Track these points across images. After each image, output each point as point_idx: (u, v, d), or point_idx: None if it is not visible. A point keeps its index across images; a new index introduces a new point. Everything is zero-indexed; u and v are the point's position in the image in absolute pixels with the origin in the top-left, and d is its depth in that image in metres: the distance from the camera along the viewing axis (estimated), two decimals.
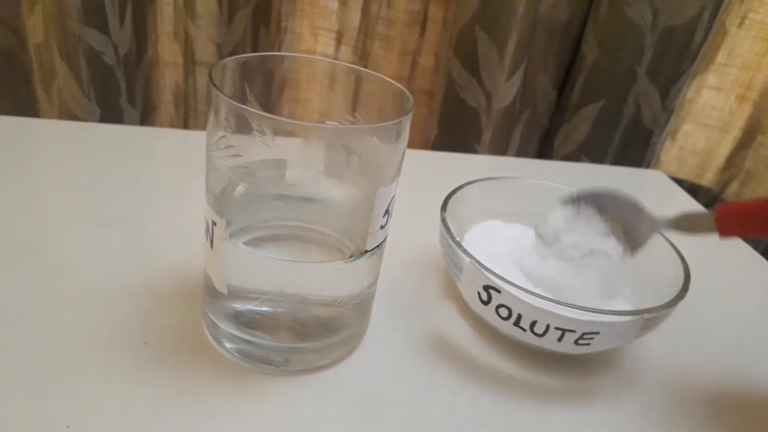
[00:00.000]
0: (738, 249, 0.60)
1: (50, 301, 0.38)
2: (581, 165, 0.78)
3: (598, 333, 0.35)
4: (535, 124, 0.83)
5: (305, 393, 0.34)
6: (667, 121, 0.78)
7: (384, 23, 0.74)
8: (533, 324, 0.36)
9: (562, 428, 0.35)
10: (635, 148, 0.80)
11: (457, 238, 0.40)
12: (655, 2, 0.70)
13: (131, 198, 0.50)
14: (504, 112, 0.77)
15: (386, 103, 0.35)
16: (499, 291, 0.36)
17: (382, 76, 0.35)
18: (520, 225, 0.48)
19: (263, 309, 0.34)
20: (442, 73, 0.76)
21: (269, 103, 0.36)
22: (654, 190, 0.73)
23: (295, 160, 0.33)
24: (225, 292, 0.33)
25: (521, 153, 0.85)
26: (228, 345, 0.35)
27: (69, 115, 0.71)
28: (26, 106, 0.73)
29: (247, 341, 0.35)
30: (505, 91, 0.75)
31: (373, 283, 0.37)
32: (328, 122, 0.38)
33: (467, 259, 0.37)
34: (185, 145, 0.64)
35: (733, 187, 0.81)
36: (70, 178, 0.51)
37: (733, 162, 0.81)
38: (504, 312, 0.36)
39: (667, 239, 0.44)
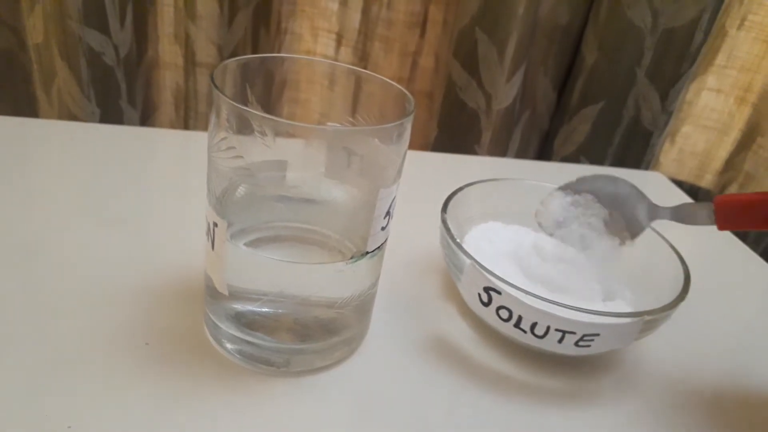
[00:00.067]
0: (738, 250, 0.60)
1: (51, 301, 0.38)
2: (581, 166, 0.78)
3: (598, 335, 0.35)
4: (534, 125, 0.83)
5: (306, 394, 0.34)
6: (666, 123, 0.79)
7: (384, 24, 0.75)
8: (534, 325, 0.36)
9: (562, 430, 0.35)
10: (635, 149, 0.80)
11: (458, 240, 0.40)
12: (655, 4, 0.71)
13: (131, 198, 0.50)
14: (504, 113, 0.77)
15: (387, 105, 0.35)
16: (499, 292, 0.36)
17: (382, 77, 0.35)
18: (520, 226, 0.48)
19: (264, 310, 0.34)
20: (442, 74, 0.76)
21: (270, 104, 0.36)
22: (653, 192, 0.72)
23: (296, 161, 0.33)
24: (226, 293, 0.33)
25: (521, 154, 0.85)
26: (229, 346, 0.35)
27: (69, 115, 0.71)
28: (26, 107, 0.73)
29: (248, 342, 0.35)
30: (505, 92, 0.75)
31: (374, 285, 0.37)
32: (328, 123, 0.38)
33: (468, 261, 0.37)
34: (185, 145, 0.64)
35: (733, 189, 0.81)
36: (70, 178, 0.51)
37: (732, 164, 0.81)
38: (504, 313, 0.36)
39: (667, 241, 0.44)
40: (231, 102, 0.29)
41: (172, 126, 0.80)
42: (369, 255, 0.33)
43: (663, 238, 0.44)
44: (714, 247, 0.60)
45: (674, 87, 0.75)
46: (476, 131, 0.77)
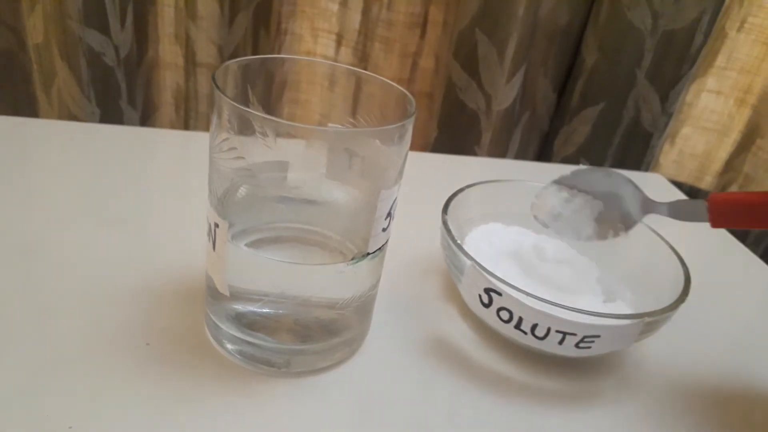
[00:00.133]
0: (738, 252, 0.60)
1: (51, 301, 0.38)
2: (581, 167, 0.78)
3: (599, 336, 0.36)
4: (534, 126, 0.83)
5: (306, 395, 0.34)
6: (666, 125, 0.79)
7: (384, 25, 0.75)
8: (534, 327, 0.36)
9: (562, 431, 0.36)
10: (635, 151, 0.80)
11: (458, 241, 0.40)
12: (655, 6, 0.71)
13: (132, 199, 0.50)
14: (504, 114, 0.77)
15: (388, 106, 0.35)
16: (500, 294, 0.36)
17: (383, 78, 0.35)
18: (520, 227, 0.48)
19: (265, 311, 0.34)
20: (442, 75, 0.76)
21: (270, 105, 0.36)
22: (653, 193, 0.72)
23: (297, 162, 0.33)
24: (227, 293, 0.33)
25: (521, 155, 0.85)
26: (229, 346, 0.35)
27: (69, 116, 0.71)
28: (26, 107, 0.73)
29: (249, 343, 0.35)
30: (505, 93, 0.75)
31: (375, 286, 0.37)
32: (329, 124, 0.38)
33: (468, 262, 0.37)
34: (185, 145, 0.64)
35: (732, 191, 0.81)
36: (70, 178, 0.51)
37: (732, 165, 0.81)
38: (505, 315, 0.36)
39: (667, 242, 0.44)
40: (232, 103, 0.29)
41: (173, 126, 0.80)
42: (370, 256, 0.33)
43: (663, 239, 0.44)
44: (714, 249, 0.60)
45: (674, 88, 0.75)
46: (476, 132, 0.77)
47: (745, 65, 0.77)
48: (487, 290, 0.36)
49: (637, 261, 0.44)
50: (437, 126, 0.78)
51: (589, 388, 0.39)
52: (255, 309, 0.34)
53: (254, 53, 0.74)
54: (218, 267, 0.33)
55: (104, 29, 0.67)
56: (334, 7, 0.76)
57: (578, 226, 0.43)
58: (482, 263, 0.37)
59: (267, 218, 0.36)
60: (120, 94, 0.71)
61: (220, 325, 0.35)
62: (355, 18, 0.76)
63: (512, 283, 0.36)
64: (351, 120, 0.36)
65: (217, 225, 0.32)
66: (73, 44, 0.67)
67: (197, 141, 0.64)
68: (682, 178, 0.86)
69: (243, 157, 0.31)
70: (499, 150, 0.81)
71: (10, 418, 0.30)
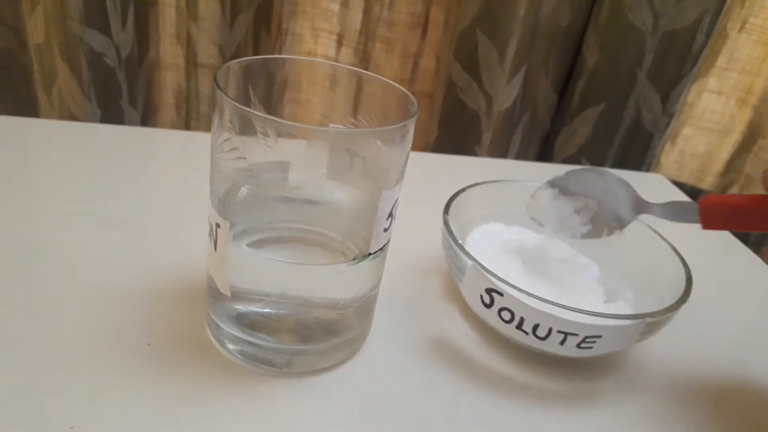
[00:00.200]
0: (740, 252, 0.60)
1: (52, 301, 0.38)
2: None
3: (600, 336, 0.35)
4: (535, 127, 0.83)
5: (307, 395, 0.34)
6: (667, 125, 0.79)
7: (385, 25, 0.75)
8: (535, 327, 0.36)
9: (563, 431, 0.35)
10: (636, 151, 0.80)
11: (460, 241, 0.40)
12: (656, 6, 0.71)
13: (133, 199, 0.50)
14: (504, 114, 0.77)
15: (389, 106, 0.35)
16: (501, 294, 0.36)
17: (384, 78, 0.35)
18: (521, 228, 0.48)
19: (266, 311, 0.34)
20: (443, 75, 0.76)
21: (271, 105, 0.36)
22: (654, 194, 0.72)
23: (299, 162, 0.33)
24: (228, 293, 0.33)
25: (521, 156, 0.85)
26: (231, 346, 0.35)
27: (70, 116, 0.71)
28: (26, 108, 0.73)
29: (250, 343, 0.35)
30: (506, 93, 0.75)
31: (376, 286, 0.37)
32: (330, 125, 0.38)
33: (469, 262, 0.37)
34: (186, 146, 0.64)
35: (733, 191, 0.81)
36: (71, 178, 0.51)
37: (733, 166, 0.81)
38: (506, 315, 0.36)
39: (669, 243, 0.44)
40: (234, 103, 0.29)
41: (174, 127, 0.80)
42: (371, 256, 0.33)
43: (665, 239, 0.44)
44: (716, 250, 0.60)
45: (675, 89, 0.75)
46: (477, 132, 0.77)
47: (746, 66, 0.77)
48: (489, 290, 0.36)
49: (638, 261, 0.44)
50: (438, 126, 0.78)
51: (590, 388, 0.39)
52: (256, 309, 0.34)
53: (255, 53, 0.74)
54: (219, 267, 0.33)
55: (105, 30, 0.67)
56: (335, 7, 0.76)
57: (573, 225, 0.43)
58: (483, 263, 0.37)
59: (268, 218, 0.36)
60: (121, 94, 0.71)
61: (221, 325, 0.35)
62: (356, 18, 0.76)
63: (513, 283, 0.36)
64: (352, 120, 0.36)
65: (218, 225, 0.32)
66: (74, 45, 0.67)
67: (198, 141, 0.64)
68: (683, 179, 0.86)
69: (244, 158, 0.31)
70: (500, 150, 0.81)
71: (11, 418, 0.30)
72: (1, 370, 0.32)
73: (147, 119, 0.78)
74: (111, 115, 0.72)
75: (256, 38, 0.74)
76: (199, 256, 0.36)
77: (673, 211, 0.39)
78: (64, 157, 0.55)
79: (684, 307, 0.38)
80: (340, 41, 0.78)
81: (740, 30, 0.76)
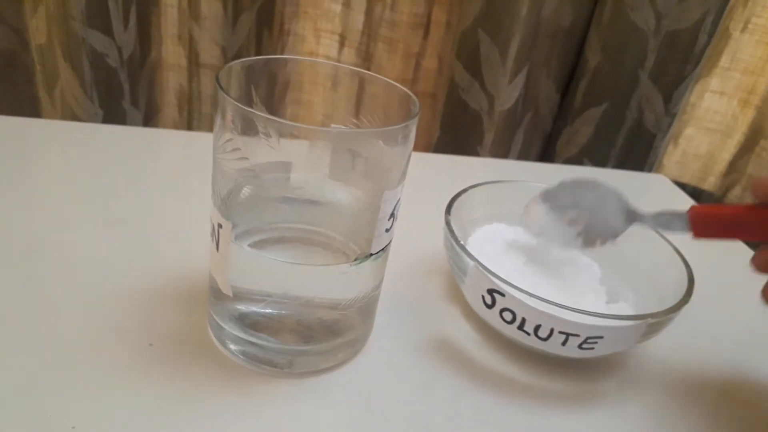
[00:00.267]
0: (742, 253, 0.60)
1: (54, 301, 0.38)
2: (584, 168, 0.78)
3: (602, 337, 0.35)
4: (537, 127, 0.83)
5: (309, 395, 0.34)
6: (669, 125, 0.79)
7: (387, 26, 0.75)
8: (537, 328, 0.36)
9: None
10: (638, 151, 0.80)
11: (461, 242, 0.40)
12: (659, 6, 0.71)
13: (135, 199, 0.50)
14: (506, 114, 0.77)
15: (391, 107, 0.35)
16: (503, 294, 0.36)
17: (387, 79, 0.35)
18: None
19: (268, 311, 0.34)
20: (445, 75, 0.76)
21: (273, 105, 0.36)
22: (656, 194, 0.73)
23: (301, 162, 0.33)
24: (230, 294, 0.33)
25: (523, 156, 0.85)
26: (232, 347, 0.36)
27: (71, 116, 0.71)
28: (28, 108, 0.73)
29: (252, 343, 0.35)
30: (508, 93, 0.75)
31: (378, 286, 0.37)
32: (332, 125, 0.38)
33: (471, 263, 0.37)
34: (188, 146, 0.64)
35: (736, 192, 0.81)
36: (73, 179, 0.51)
37: (735, 166, 0.81)
38: (508, 316, 0.36)
39: (671, 244, 0.44)
40: (236, 104, 0.29)
41: (176, 127, 0.80)
42: (373, 257, 0.33)
43: (667, 240, 0.44)
44: (717, 250, 0.60)
45: (677, 89, 0.75)
46: (479, 132, 0.77)
47: (749, 66, 0.77)
48: (490, 291, 0.36)
49: (640, 262, 0.44)
50: (440, 126, 0.78)
51: (592, 389, 0.39)
52: (258, 309, 0.34)
53: (257, 54, 0.74)
54: (221, 267, 0.33)
55: (107, 30, 0.67)
56: (337, 8, 0.76)
57: (565, 236, 0.43)
58: (485, 264, 0.37)
59: (270, 219, 0.36)
60: (123, 95, 0.71)
61: (223, 325, 0.35)
62: (358, 19, 0.76)
63: (515, 283, 0.36)
64: (354, 120, 0.36)
65: (220, 225, 0.32)
66: (76, 45, 0.67)
67: (200, 141, 0.64)
68: (685, 179, 0.86)
69: (246, 158, 0.31)
70: (502, 150, 0.81)
71: (13, 418, 0.30)
72: (2, 370, 0.32)
73: (149, 120, 0.78)
74: (113, 115, 0.72)
75: (259, 39, 0.74)
76: (201, 257, 0.36)
77: (664, 221, 0.39)
78: (65, 158, 0.55)
79: (686, 307, 0.38)
80: (342, 42, 0.78)
81: (743, 30, 0.76)
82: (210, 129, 0.77)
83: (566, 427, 0.36)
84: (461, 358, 0.39)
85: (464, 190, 0.46)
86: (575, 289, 0.43)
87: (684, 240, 0.44)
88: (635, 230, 0.42)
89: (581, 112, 0.79)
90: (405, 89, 0.34)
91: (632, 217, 0.41)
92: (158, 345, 0.36)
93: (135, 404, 0.32)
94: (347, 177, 0.34)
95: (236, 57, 0.73)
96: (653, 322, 0.36)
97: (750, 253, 0.36)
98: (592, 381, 0.40)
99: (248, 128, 0.29)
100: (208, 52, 0.73)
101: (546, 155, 0.85)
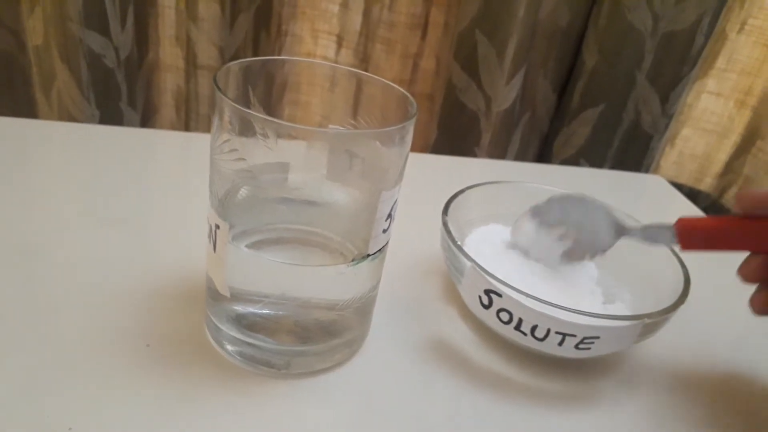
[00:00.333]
0: (738, 253, 0.60)
1: (51, 302, 0.38)
2: (581, 169, 0.78)
3: (598, 337, 0.36)
4: (534, 127, 0.84)
5: (306, 396, 0.34)
6: (666, 126, 0.79)
7: (385, 26, 0.75)
8: (534, 328, 0.36)
9: (562, 431, 0.36)
10: (635, 152, 0.80)
11: (458, 242, 0.40)
12: (656, 8, 0.71)
13: (132, 200, 0.50)
14: (503, 115, 0.77)
15: (388, 107, 0.35)
16: (500, 295, 0.36)
17: (383, 79, 0.35)
18: None
19: (265, 312, 0.34)
20: (443, 76, 0.76)
21: (271, 106, 0.36)
22: (653, 195, 0.73)
23: (298, 163, 0.33)
24: (227, 294, 0.33)
25: (520, 157, 0.85)
26: (230, 348, 0.36)
27: (69, 118, 0.71)
28: (25, 109, 0.73)
29: (249, 344, 0.35)
30: (505, 94, 0.75)
31: (375, 287, 0.37)
32: (330, 126, 0.38)
33: (468, 263, 0.38)
34: (186, 147, 0.64)
35: (732, 193, 0.81)
36: (71, 180, 0.51)
37: (732, 167, 0.81)
38: (505, 316, 0.36)
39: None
40: (234, 104, 0.29)
41: (173, 128, 0.80)
42: (370, 257, 0.34)
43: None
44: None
45: (674, 90, 0.76)
46: (476, 133, 0.77)
47: (746, 67, 0.77)
48: (487, 291, 0.36)
49: (636, 262, 0.44)
50: (437, 127, 0.78)
51: (589, 389, 0.39)
52: (255, 310, 0.34)
53: (255, 55, 0.74)
54: (219, 268, 0.33)
55: (104, 31, 0.67)
56: (335, 8, 0.76)
57: (555, 251, 0.44)
58: (482, 264, 0.37)
59: (268, 219, 0.36)
60: (120, 96, 0.71)
61: (220, 326, 0.35)
62: (355, 19, 0.76)
63: (512, 284, 0.36)
64: (352, 121, 0.36)
65: (217, 226, 0.32)
66: (73, 46, 0.67)
67: (198, 142, 0.64)
68: (682, 180, 0.86)
69: (244, 159, 0.31)
70: (499, 151, 0.81)
71: (10, 418, 0.30)
72: (0, 371, 0.32)
73: (146, 121, 0.78)
74: (110, 116, 0.72)
75: (256, 40, 0.74)
76: (199, 258, 0.36)
77: (651, 234, 0.40)
78: (63, 159, 0.55)
79: (682, 308, 0.38)
80: (339, 42, 0.78)
81: (739, 31, 0.76)
82: (207, 130, 0.77)
83: (564, 427, 0.36)
84: (458, 359, 0.39)
85: (461, 191, 0.46)
86: (572, 289, 0.43)
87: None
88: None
89: (578, 113, 0.79)
90: (402, 90, 0.34)
91: (620, 231, 0.42)
92: (155, 346, 0.36)
93: (132, 405, 0.32)
94: (345, 178, 0.34)
95: (234, 58, 0.73)
96: (650, 323, 0.36)
97: (747, 254, 0.36)
98: (589, 381, 0.40)
99: (246, 129, 0.29)
100: (206, 53, 0.73)
101: (543, 156, 0.85)
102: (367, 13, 0.75)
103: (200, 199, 0.36)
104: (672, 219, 0.39)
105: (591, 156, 0.81)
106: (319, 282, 0.34)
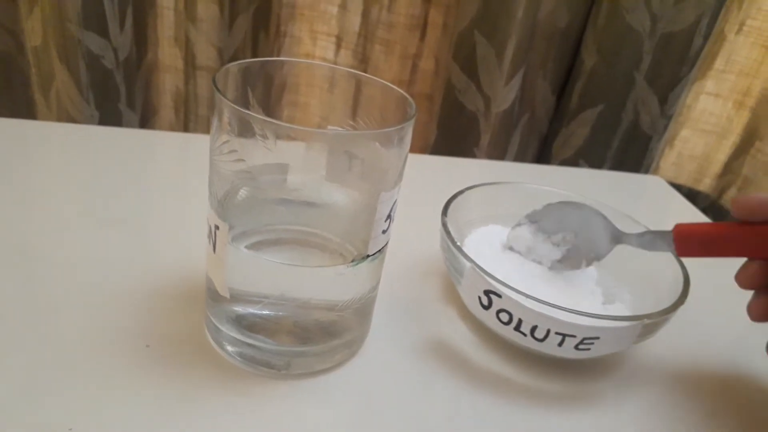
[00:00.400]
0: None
1: (51, 303, 0.38)
2: (580, 170, 0.78)
3: (598, 338, 0.36)
4: (533, 128, 0.84)
5: (306, 397, 0.34)
6: (665, 127, 0.79)
7: (384, 27, 0.75)
8: (534, 329, 0.36)
9: None
10: (634, 153, 0.80)
11: (458, 243, 0.40)
12: (654, 8, 0.71)
13: (132, 201, 0.50)
14: (503, 116, 0.77)
15: (388, 108, 0.35)
16: (499, 296, 0.36)
17: (382, 80, 0.35)
18: None
19: (265, 313, 0.34)
20: (442, 77, 0.76)
21: (270, 107, 0.36)
22: (652, 196, 0.73)
23: (297, 164, 0.33)
24: (227, 295, 0.33)
25: (519, 157, 0.85)
26: (229, 348, 0.36)
27: (67, 118, 0.71)
28: (24, 110, 0.73)
29: (249, 345, 0.35)
30: (504, 95, 0.75)
31: (375, 288, 0.37)
32: (329, 127, 0.38)
33: (468, 264, 0.38)
34: (185, 148, 0.64)
35: (731, 193, 0.81)
36: (70, 180, 0.51)
37: (730, 168, 0.81)
38: (504, 317, 0.36)
39: None
40: (233, 105, 0.29)
41: (172, 129, 0.80)
42: (370, 258, 0.34)
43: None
44: None
45: (673, 91, 0.76)
46: (475, 134, 0.77)
47: (744, 68, 0.77)
48: (487, 292, 0.36)
49: (636, 263, 0.44)
50: (436, 128, 0.78)
51: (589, 389, 0.39)
52: (255, 311, 0.35)
53: (254, 56, 0.74)
54: (218, 269, 0.33)
55: (103, 32, 0.67)
56: (333, 9, 0.76)
57: (551, 258, 0.44)
58: (482, 265, 0.37)
59: (267, 220, 0.36)
60: (119, 97, 0.71)
61: (220, 327, 0.35)
62: (354, 20, 0.76)
63: (512, 284, 0.36)
64: (351, 122, 0.36)
65: (217, 227, 0.32)
66: (71, 47, 0.67)
67: (197, 143, 0.64)
68: (681, 181, 0.86)
69: (243, 160, 0.31)
70: (498, 152, 0.81)
71: (10, 419, 0.30)
72: (0, 371, 0.32)
73: (145, 122, 0.78)
74: (109, 117, 0.72)
75: (255, 41, 0.74)
76: (198, 258, 0.36)
77: (648, 241, 0.40)
78: (62, 159, 0.55)
79: (681, 308, 0.38)
80: (338, 43, 0.78)
81: (738, 32, 0.76)
82: (207, 131, 0.77)
83: (564, 427, 0.36)
84: (458, 360, 0.39)
85: (461, 192, 0.46)
86: (572, 290, 0.43)
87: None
88: (633, 232, 0.42)
89: (577, 114, 0.79)
90: (401, 91, 0.34)
91: (617, 238, 0.42)
92: (155, 346, 0.36)
93: (132, 406, 0.32)
94: (344, 179, 0.34)
95: (233, 59, 0.73)
96: (649, 323, 0.36)
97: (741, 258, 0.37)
98: (589, 381, 0.40)
99: (245, 130, 0.29)
100: (205, 54, 0.73)
101: (542, 157, 0.85)
102: (365, 14, 0.75)
103: (200, 199, 0.36)
104: (671, 219, 0.39)
105: (590, 157, 0.81)
106: (319, 283, 0.34)
